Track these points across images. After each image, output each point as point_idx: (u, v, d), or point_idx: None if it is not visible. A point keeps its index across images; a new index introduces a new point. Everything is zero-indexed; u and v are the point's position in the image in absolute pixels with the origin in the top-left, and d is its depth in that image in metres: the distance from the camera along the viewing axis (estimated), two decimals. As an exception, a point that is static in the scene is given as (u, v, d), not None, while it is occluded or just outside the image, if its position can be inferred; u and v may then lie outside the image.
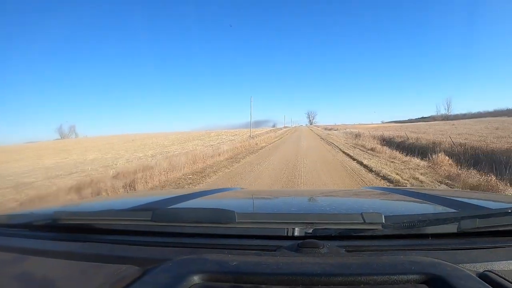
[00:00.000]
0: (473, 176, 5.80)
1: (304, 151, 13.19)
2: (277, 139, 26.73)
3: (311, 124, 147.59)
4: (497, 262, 0.60)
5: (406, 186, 5.39)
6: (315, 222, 0.71)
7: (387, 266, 0.54)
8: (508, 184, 5.11)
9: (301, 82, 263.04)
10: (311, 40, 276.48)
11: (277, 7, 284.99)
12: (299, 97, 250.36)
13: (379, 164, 8.22)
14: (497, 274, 0.53)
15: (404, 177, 6.28)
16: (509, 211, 0.70)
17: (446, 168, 7.16)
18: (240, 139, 23.51)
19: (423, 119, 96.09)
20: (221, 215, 0.72)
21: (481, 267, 0.58)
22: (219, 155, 11.80)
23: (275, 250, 0.65)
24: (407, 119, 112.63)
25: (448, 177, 6.27)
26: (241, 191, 1.75)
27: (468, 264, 0.58)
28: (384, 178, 6.34)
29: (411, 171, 7.09)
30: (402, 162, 8.69)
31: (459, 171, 6.42)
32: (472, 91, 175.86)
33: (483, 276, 0.53)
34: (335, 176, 6.81)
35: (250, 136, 28.19)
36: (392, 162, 8.75)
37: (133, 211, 0.87)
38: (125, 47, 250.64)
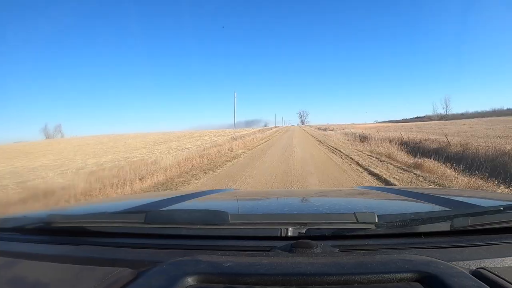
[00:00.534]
0: None
1: (299, 166, 8.15)
2: (262, 141, 21.52)
3: (302, 124, 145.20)
4: (490, 260, 0.60)
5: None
6: (308, 222, 0.71)
7: (381, 265, 0.55)
8: None
9: (293, 82, 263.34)
10: (302, 39, 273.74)
11: (268, 7, 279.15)
12: (290, 97, 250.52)
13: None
14: (490, 272, 0.54)
15: None
16: (501, 208, 0.72)
17: None
18: (221, 141, 20.57)
19: (418, 118, 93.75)
20: (215, 216, 0.71)
21: (474, 265, 0.58)
22: (152, 174, 7.53)
23: (268, 251, 0.65)
24: (401, 118, 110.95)
25: None
26: (234, 192, 1.73)
27: (461, 262, 0.59)
28: None
29: None
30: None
31: None
32: (467, 91, 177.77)
33: (477, 274, 0.53)
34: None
35: (233, 137, 23.77)
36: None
37: (126, 213, 0.86)
38: (116, 46, 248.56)
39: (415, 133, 17.71)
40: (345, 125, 70.29)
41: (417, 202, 1.09)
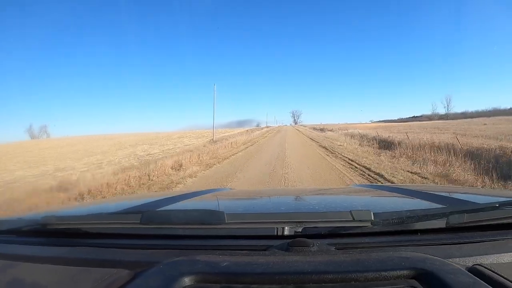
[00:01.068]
0: None
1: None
2: (244, 147, 15.67)
3: (295, 124, 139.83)
4: (486, 256, 0.60)
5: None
6: (305, 221, 0.71)
7: (377, 262, 0.54)
8: None
9: (286, 81, 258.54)
10: (294, 39, 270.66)
11: (261, 6, 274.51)
12: (283, 97, 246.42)
13: None
14: (486, 268, 0.54)
15: None
16: (497, 205, 0.72)
17: None
18: (197, 144, 17.49)
19: (415, 118, 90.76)
20: (211, 216, 0.71)
21: (470, 261, 0.58)
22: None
23: (265, 250, 0.65)
24: (397, 118, 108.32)
25: None
26: (230, 192, 1.73)
27: (457, 259, 0.59)
28: None
29: None
30: None
31: None
32: (463, 91, 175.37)
33: (473, 270, 0.54)
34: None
35: (212, 140, 18.91)
36: None
37: (122, 214, 0.86)
38: (108, 46, 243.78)
39: (446, 135, 13.30)
40: (340, 124, 65.79)
41: (412, 199, 1.09)
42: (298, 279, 0.51)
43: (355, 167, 7.50)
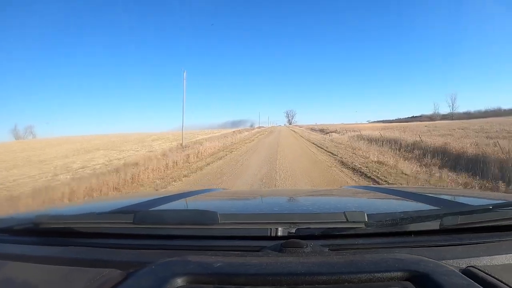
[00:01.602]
0: None
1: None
2: (211, 159, 10.71)
3: (290, 124, 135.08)
4: (480, 258, 0.60)
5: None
6: (298, 222, 0.71)
7: (371, 264, 0.54)
8: None
9: (280, 81, 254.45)
10: (289, 38, 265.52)
11: (258, 7, 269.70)
12: (277, 97, 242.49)
13: None
14: (480, 270, 0.54)
15: None
16: (490, 207, 0.72)
17: None
18: (159, 151, 14.23)
19: (414, 118, 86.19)
20: (204, 216, 0.71)
21: (464, 263, 0.58)
22: None
23: (258, 251, 0.65)
24: (395, 118, 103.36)
25: None
26: (223, 192, 1.73)
27: (451, 260, 0.59)
28: None
29: None
30: None
31: None
32: (462, 90, 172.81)
33: (467, 272, 0.54)
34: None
35: (181, 144, 14.53)
36: None
37: (115, 213, 0.84)
38: (109, 47, 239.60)
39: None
40: (338, 125, 60.37)
41: (406, 201, 1.09)
42: (291, 280, 0.51)
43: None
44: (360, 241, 0.69)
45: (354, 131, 22.36)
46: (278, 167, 8.11)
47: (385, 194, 1.32)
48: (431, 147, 9.25)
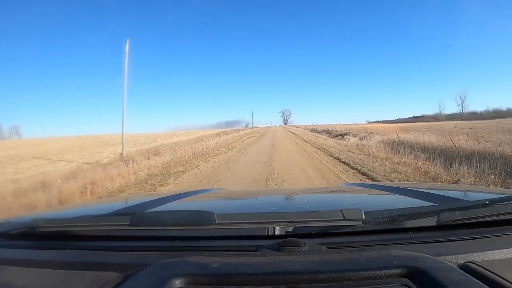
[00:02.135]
0: None
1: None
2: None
3: (285, 124, 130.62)
4: (477, 253, 0.60)
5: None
6: (295, 221, 0.71)
7: (369, 261, 0.55)
8: None
9: (275, 80, 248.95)
10: (286, 38, 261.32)
11: (253, 6, 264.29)
12: (273, 97, 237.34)
13: None
14: (478, 265, 0.54)
15: None
16: (487, 202, 0.72)
17: None
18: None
19: (416, 118, 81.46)
20: (201, 217, 0.70)
21: (462, 259, 0.58)
22: None
23: (256, 250, 0.65)
24: (395, 118, 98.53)
25: None
26: (220, 192, 1.72)
27: (449, 256, 0.59)
28: None
29: None
30: None
31: None
32: (466, 90, 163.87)
33: (465, 267, 0.54)
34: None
35: (122, 156, 11.12)
36: None
37: (112, 216, 0.84)
38: (108, 47, 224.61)
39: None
40: (338, 125, 55.49)
41: (403, 197, 1.09)
42: (289, 279, 0.51)
43: None
44: (358, 238, 0.69)
45: (371, 132, 17.33)
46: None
47: (381, 191, 1.33)
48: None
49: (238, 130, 40.93)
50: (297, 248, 0.62)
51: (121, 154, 10.82)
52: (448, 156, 7.95)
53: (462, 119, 51.41)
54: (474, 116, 59.30)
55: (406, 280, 0.51)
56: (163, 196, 1.25)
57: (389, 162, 8.12)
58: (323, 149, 12.10)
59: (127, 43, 11.70)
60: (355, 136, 17.90)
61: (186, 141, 17.87)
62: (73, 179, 7.36)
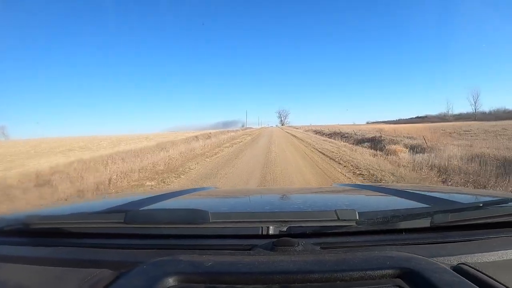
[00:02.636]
0: None
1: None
2: None
3: (282, 125, 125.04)
4: (470, 255, 0.60)
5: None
6: (289, 220, 0.71)
7: (362, 262, 0.55)
8: None
9: (273, 80, 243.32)
10: (283, 38, 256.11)
11: (249, 6, 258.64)
12: (270, 97, 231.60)
13: None
14: (471, 267, 0.55)
15: None
16: (480, 205, 0.73)
17: None
18: None
19: (419, 118, 76.43)
20: (195, 215, 0.70)
21: (455, 260, 0.59)
22: None
23: (250, 249, 0.65)
24: (396, 119, 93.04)
25: None
26: (214, 191, 1.72)
27: (442, 258, 0.59)
28: None
29: None
30: None
31: None
32: (461, 92, 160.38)
33: (458, 269, 0.54)
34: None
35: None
36: None
37: (106, 213, 0.83)
38: (110, 47, 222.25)
39: None
40: (337, 126, 50.00)
41: (397, 198, 1.08)
42: (283, 278, 0.51)
43: None
44: (351, 239, 0.69)
45: (412, 138, 12.11)
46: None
47: (376, 192, 1.32)
48: None
49: (228, 131, 34.78)
50: (291, 248, 0.62)
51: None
52: None
53: (475, 120, 46.27)
54: (486, 116, 53.89)
55: (399, 281, 0.51)
56: (158, 194, 1.26)
57: None
58: (333, 159, 8.63)
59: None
60: (395, 143, 11.19)
61: (152, 147, 12.82)
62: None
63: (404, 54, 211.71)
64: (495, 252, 0.61)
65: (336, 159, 8.76)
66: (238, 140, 21.15)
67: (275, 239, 0.64)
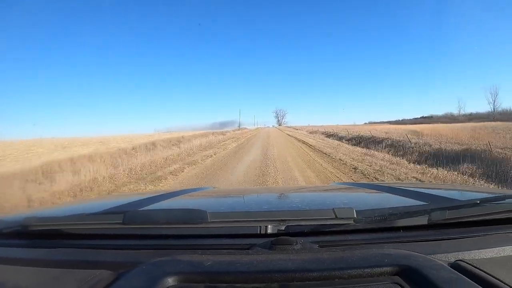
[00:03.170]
0: None
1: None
2: None
3: (280, 125, 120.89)
4: (468, 252, 0.61)
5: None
6: (288, 219, 0.71)
7: (361, 259, 0.55)
8: None
9: (270, 80, 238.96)
10: (282, 37, 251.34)
11: (248, 5, 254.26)
12: (269, 97, 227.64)
13: None
14: (468, 263, 0.55)
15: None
16: (478, 202, 0.73)
17: None
18: None
19: (425, 119, 71.32)
20: (193, 215, 0.71)
21: (452, 257, 0.59)
22: None
23: (248, 249, 0.65)
24: (400, 119, 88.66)
25: None
26: (213, 191, 1.72)
27: (439, 255, 0.60)
28: None
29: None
30: None
31: None
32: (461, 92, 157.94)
33: (455, 266, 0.55)
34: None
35: None
36: None
37: (104, 214, 0.84)
38: (111, 46, 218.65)
39: None
40: (337, 126, 44.96)
41: (394, 196, 1.09)
42: (282, 277, 0.52)
43: None
44: (350, 237, 0.70)
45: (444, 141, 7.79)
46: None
47: (373, 190, 1.33)
48: None
49: (227, 132, 29.83)
50: (289, 247, 0.62)
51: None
52: None
53: (494, 120, 41.43)
54: (505, 116, 48.82)
55: (398, 278, 0.51)
56: (156, 195, 1.25)
57: None
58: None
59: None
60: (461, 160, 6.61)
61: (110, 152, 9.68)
62: None
63: (405, 54, 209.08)
64: (493, 248, 0.62)
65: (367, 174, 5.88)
66: (221, 146, 15.47)
67: (274, 238, 0.65)
